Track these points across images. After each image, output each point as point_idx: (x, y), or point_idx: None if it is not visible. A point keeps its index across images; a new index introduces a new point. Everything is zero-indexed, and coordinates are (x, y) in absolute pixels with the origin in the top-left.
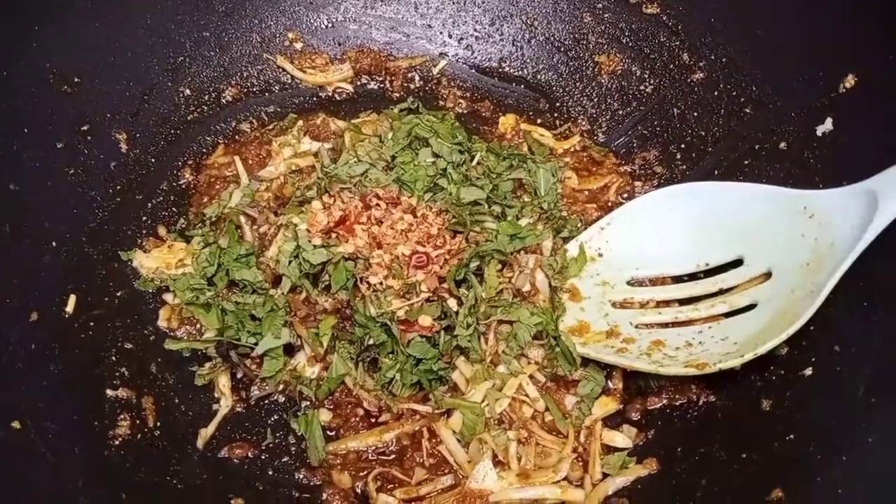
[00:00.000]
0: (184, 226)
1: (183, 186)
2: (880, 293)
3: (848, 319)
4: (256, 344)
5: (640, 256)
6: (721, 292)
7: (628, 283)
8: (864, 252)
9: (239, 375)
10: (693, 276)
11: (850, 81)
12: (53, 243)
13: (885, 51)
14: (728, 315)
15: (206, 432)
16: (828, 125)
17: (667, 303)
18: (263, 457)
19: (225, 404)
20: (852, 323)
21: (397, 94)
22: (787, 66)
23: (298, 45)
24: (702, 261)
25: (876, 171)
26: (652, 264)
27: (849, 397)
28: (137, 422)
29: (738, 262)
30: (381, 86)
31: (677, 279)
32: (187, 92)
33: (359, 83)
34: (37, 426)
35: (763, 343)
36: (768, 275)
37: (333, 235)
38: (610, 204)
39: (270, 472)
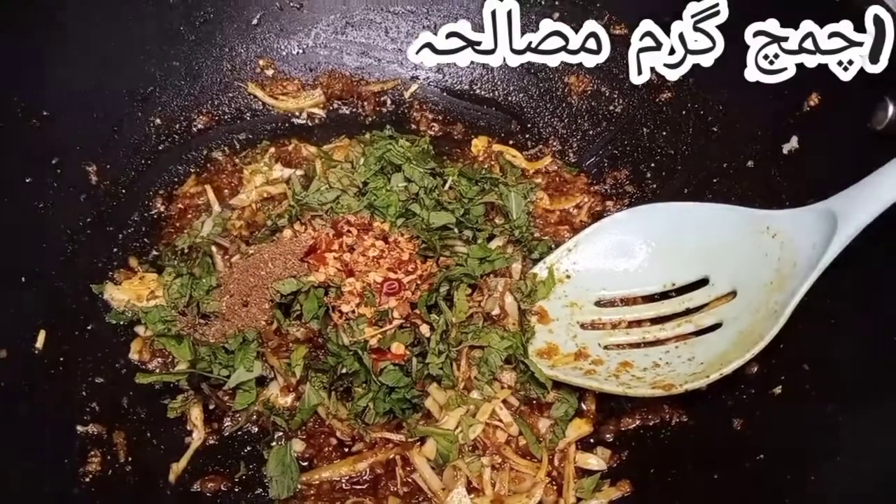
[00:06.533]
0: (155, 256)
1: (155, 217)
2: (847, 311)
3: (816, 337)
4: (228, 376)
5: (606, 277)
6: (688, 312)
7: (596, 303)
8: (829, 269)
9: (211, 407)
10: (665, 296)
11: (813, 100)
12: (23, 279)
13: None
14: (695, 335)
15: (178, 466)
16: (793, 143)
17: (638, 323)
18: (237, 489)
19: (197, 437)
20: (820, 341)
21: (370, 119)
22: (753, 84)
23: (269, 72)
24: (668, 280)
25: (840, 189)
26: (618, 285)
27: (818, 415)
28: (108, 457)
29: (704, 282)
30: (354, 110)
31: (648, 299)
32: (158, 122)
33: (331, 108)
34: (5, 465)
35: (728, 363)
36: (733, 294)
37: (304, 264)
38: (582, 224)
39: None
